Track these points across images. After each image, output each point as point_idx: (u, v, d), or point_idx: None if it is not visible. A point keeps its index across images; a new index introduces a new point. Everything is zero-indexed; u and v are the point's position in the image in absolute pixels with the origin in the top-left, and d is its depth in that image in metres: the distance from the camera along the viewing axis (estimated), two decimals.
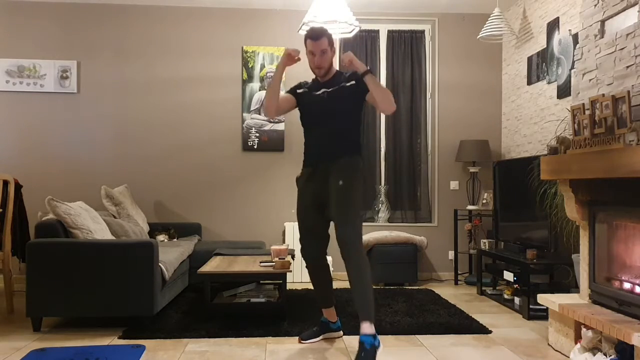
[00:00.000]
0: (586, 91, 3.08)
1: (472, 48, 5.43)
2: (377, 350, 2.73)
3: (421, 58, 5.47)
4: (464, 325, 3.48)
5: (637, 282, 2.66)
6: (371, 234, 4.99)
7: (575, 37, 4.05)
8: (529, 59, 4.81)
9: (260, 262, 3.81)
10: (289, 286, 4.74)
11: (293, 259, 4.14)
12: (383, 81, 5.43)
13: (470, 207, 5.18)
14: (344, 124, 3.01)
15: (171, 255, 3.82)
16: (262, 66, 5.27)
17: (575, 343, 2.87)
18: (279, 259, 3.64)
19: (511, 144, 5.20)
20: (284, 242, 5.16)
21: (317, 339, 3.19)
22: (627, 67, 2.71)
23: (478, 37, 4.97)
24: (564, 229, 3.72)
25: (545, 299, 3.17)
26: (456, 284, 5.16)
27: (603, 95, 2.74)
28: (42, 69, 5.12)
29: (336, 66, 4.61)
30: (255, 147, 5.26)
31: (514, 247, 4.32)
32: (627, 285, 2.73)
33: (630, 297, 2.65)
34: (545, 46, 4.53)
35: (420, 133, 5.47)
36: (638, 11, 2.68)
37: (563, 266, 3.88)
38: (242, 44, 5.30)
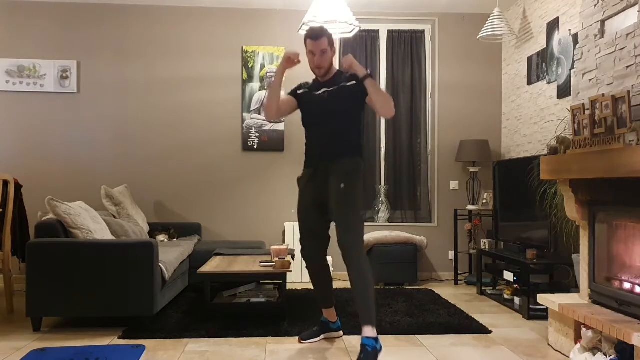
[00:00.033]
0: (586, 91, 3.08)
1: (472, 48, 5.43)
2: (378, 353, 2.74)
3: (421, 58, 5.47)
4: (464, 325, 3.48)
5: (637, 282, 2.66)
6: (371, 234, 4.99)
7: (575, 37, 4.05)
8: (529, 59, 4.82)
9: (260, 262, 3.81)
10: (289, 286, 4.74)
11: (293, 259, 4.14)
12: (383, 81, 5.43)
13: (470, 207, 5.18)
14: (344, 124, 3.00)
15: (171, 255, 3.82)
16: (262, 66, 5.27)
17: (575, 343, 2.87)
18: (279, 259, 3.64)
19: (511, 144, 5.20)
20: (284, 242, 5.16)
21: (317, 339, 3.19)
22: (627, 67, 2.71)
23: (478, 37, 4.97)
24: (564, 229, 3.72)
25: (545, 299, 3.17)
26: (456, 284, 5.16)
27: (603, 95, 2.74)
28: (42, 69, 5.12)
29: (337, 66, 4.62)
30: (255, 147, 5.26)
31: (514, 247, 4.32)
32: (627, 285, 2.73)
33: (630, 297, 2.65)
34: (545, 46, 4.53)
35: (420, 133, 5.47)
36: (638, 11, 2.68)
37: (563, 266, 3.88)
38: (242, 44, 5.30)
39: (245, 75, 5.28)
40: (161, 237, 4.76)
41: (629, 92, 2.52)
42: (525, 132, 4.89)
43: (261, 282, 4.24)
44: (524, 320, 3.72)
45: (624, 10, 2.79)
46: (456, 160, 5.35)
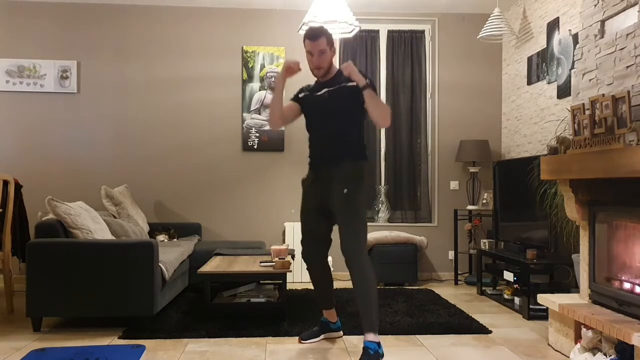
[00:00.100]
0: (586, 91, 3.08)
1: (472, 48, 5.43)
2: (380, 357, 2.74)
3: (421, 58, 5.47)
4: (464, 325, 3.48)
5: (637, 282, 2.66)
6: (371, 234, 4.99)
7: (575, 37, 4.05)
8: (529, 59, 4.82)
9: (260, 262, 3.81)
10: (289, 286, 4.74)
11: (293, 259, 4.13)
12: (383, 81, 5.43)
13: (470, 207, 5.18)
14: (344, 125, 2.98)
15: (171, 255, 3.82)
16: (262, 66, 5.27)
17: (575, 343, 2.87)
18: (279, 259, 3.64)
19: (511, 144, 5.20)
20: (284, 242, 5.16)
21: (317, 339, 3.19)
22: (627, 67, 2.71)
23: (478, 37, 4.97)
24: (564, 229, 3.72)
25: (545, 299, 3.17)
26: (456, 284, 5.16)
27: (603, 95, 2.74)
28: (42, 69, 5.12)
29: (337, 65, 4.61)
30: (255, 147, 5.26)
31: (514, 247, 4.32)
32: (627, 285, 2.73)
33: (630, 297, 2.65)
34: (545, 46, 4.53)
35: (420, 133, 5.47)
36: (638, 11, 2.68)
37: (563, 266, 3.88)
38: (242, 44, 5.30)
39: (245, 75, 5.28)
40: (161, 237, 4.76)
41: (629, 92, 2.52)
42: (525, 132, 4.89)
43: (261, 282, 4.24)
44: (524, 320, 3.72)
45: (624, 10, 2.79)
46: (456, 160, 5.35)
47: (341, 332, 3.29)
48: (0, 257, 3.76)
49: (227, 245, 4.63)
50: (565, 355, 2.94)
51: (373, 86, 2.87)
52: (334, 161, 2.96)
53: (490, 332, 3.38)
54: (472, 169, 5.21)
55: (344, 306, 3.96)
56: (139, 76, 5.24)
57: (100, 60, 5.21)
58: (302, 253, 3.15)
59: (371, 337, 2.78)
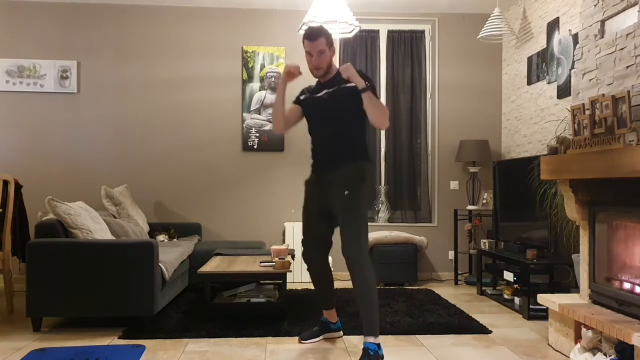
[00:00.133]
0: (586, 91, 3.08)
1: (472, 48, 5.43)
2: (380, 359, 2.74)
3: (421, 58, 5.47)
4: (464, 325, 3.48)
5: (637, 282, 2.66)
6: (371, 234, 4.99)
7: (575, 37, 4.05)
8: (529, 59, 4.82)
9: (260, 262, 3.81)
10: (289, 286, 4.74)
11: (293, 259, 4.14)
12: (383, 81, 5.43)
13: (470, 207, 5.18)
14: (345, 125, 2.97)
15: (171, 255, 3.82)
16: (262, 66, 5.27)
17: (575, 343, 2.87)
18: (279, 259, 3.64)
19: (511, 144, 5.20)
20: (284, 242, 5.16)
21: (317, 339, 3.19)
22: (627, 67, 2.71)
23: (478, 37, 4.97)
24: (564, 229, 3.72)
25: (545, 299, 3.17)
26: (456, 284, 5.16)
27: (603, 95, 2.74)
28: (42, 69, 5.12)
29: (337, 65, 4.60)
30: (255, 147, 5.26)
31: (514, 247, 4.32)
32: (627, 285, 2.73)
33: (630, 297, 2.65)
34: (545, 46, 4.53)
35: (420, 133, 5.47)
36: (638, 11, 2.68)
37: (563, 266, 3.88)
38: (242, 44, 5.30)
39: (245, 75, 5.28)
40: (161, 237, 4.76)
41: (629, 92, 2.52)
42: (525, 132, 4.89)
43: (261, 282, 4.24)
44: (524, 320, 3.72)
45: (624, 10, 2.79)
46: (456, 160, 5.35)
47: (341, 332, 3.29)
48: (0, 257, 3.76)
49: (227, 245, 4.63)
50: (565, 355, 2.94)
51: (372, 88, 2.86)
52: (335, 163, 2.96)
53: (490, 332, 3.38)
54: (472, 169, 5.21)
55: (344, 306, 3.96)
56: (139, 76, 5.24)
57: (100, 60, 5.21)
58: (303, 253, 3.15)
59: (371, 338, 2.78)
